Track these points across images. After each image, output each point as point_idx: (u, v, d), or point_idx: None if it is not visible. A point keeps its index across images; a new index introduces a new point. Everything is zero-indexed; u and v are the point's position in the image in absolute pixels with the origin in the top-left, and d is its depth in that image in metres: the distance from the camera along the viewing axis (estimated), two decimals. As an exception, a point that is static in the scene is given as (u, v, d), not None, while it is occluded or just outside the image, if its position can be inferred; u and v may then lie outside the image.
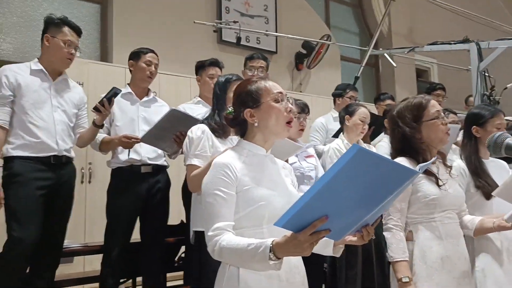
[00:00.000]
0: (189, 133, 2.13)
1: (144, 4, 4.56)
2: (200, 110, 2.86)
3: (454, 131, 2.92)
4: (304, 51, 5.54)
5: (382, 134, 3.43)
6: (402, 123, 1.87)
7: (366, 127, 2.98)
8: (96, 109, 2.48)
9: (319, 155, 3.14)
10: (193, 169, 2.06)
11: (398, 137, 1.88)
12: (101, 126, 2.59)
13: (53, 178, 2.40)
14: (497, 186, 1.94)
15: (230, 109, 1.52)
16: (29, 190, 2.31)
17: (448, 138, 1.89)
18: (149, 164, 2.71)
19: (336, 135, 3.25)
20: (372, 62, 6.97)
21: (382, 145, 3.25)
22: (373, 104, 4.21)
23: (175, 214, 2.98)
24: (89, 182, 3.72)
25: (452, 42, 3.08)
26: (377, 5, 6.93)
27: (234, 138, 2.19)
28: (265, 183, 1.39)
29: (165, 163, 2.82)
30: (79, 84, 2.98)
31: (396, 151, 1.89)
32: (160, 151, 2.73)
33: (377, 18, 6.89)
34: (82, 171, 3.62)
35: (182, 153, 2.39)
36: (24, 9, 4.17)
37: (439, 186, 1.79)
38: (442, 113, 1.88)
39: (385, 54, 4.09)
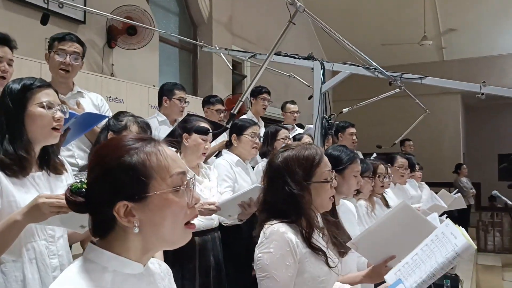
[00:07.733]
0: None
1: None
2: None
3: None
4: (120, 27, 4.66)
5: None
6: (292, 180, 1.44)
7: (209, 145, 2.50)
8: None
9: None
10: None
11: (282, 195, 1.44)
12: None
13: None
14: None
15: (79, 180, 0.84)
16: None
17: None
18: None
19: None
20: (191, 48, 6.50)
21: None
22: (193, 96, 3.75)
23: None
24: None
25: (297, 57, 2.85)
26: (200, -15, 6.43)
27: (37, 176, 1.46)
28: None
29: None
30: None
31: (277, 213, 1.48)
32: None
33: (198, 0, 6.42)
34: None
35: None
36: None
37: (328, 264, 1.46)
38: (332, 174, 1.55)
39: (221, 55, 3.68)
